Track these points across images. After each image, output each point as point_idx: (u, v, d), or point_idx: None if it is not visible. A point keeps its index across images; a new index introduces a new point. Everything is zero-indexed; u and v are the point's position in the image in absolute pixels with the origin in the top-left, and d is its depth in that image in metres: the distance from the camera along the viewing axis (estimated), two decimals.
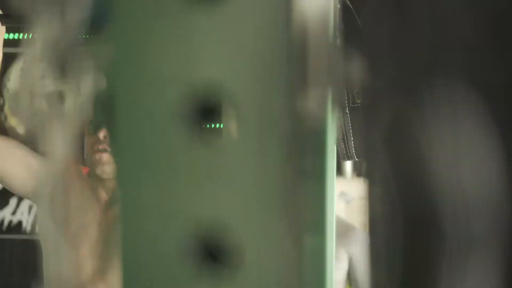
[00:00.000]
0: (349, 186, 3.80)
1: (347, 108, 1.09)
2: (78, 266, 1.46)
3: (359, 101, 1.09)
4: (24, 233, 3.47)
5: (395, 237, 0.48)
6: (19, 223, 3.48)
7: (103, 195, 1.54)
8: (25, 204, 3.50)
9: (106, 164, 1.50)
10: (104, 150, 1.51)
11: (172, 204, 0.50)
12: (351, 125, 1.09)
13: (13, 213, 3.49)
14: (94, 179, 1.54)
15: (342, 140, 1.10)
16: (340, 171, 3.86)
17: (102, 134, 1.52)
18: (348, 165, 3.89)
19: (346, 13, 1.19)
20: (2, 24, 2.75)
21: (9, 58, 3.28)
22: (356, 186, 3.82)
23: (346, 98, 1.09)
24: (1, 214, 3.48)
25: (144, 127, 0.50)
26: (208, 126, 0.52)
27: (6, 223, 3.48)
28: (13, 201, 3.48)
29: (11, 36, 3.18)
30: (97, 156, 1.51)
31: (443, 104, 0.46)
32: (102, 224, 1.49)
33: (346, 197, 3.79)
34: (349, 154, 1.10)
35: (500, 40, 0.45)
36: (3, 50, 3.45)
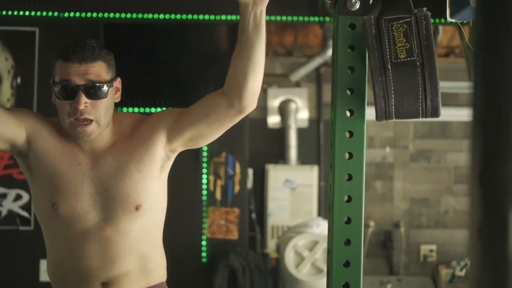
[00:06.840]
0: (294, 173, 3.78)
1: (389, 64, 1.05)
2: None
3: (402, 56, 1.05)
4: None
5: None
6: None
7: None
8: None
9: None
10: None
11: None
12: (392, 82, 1.05)
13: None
14: None
15: (383, 97, 1.05)
16: (284, 159, 3.84)
17: None
18: (292, 153, 3.86)
19: None
20: None
21: None
22: (300, 174, 3.81)
23: (388, 54, 1.05)
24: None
25: None
26: None
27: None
28: None
29: None
30: None
31: None
32: None
33: (291, 184, 3.77)
34: (388, 112, 1.06)
35: None
36: None
